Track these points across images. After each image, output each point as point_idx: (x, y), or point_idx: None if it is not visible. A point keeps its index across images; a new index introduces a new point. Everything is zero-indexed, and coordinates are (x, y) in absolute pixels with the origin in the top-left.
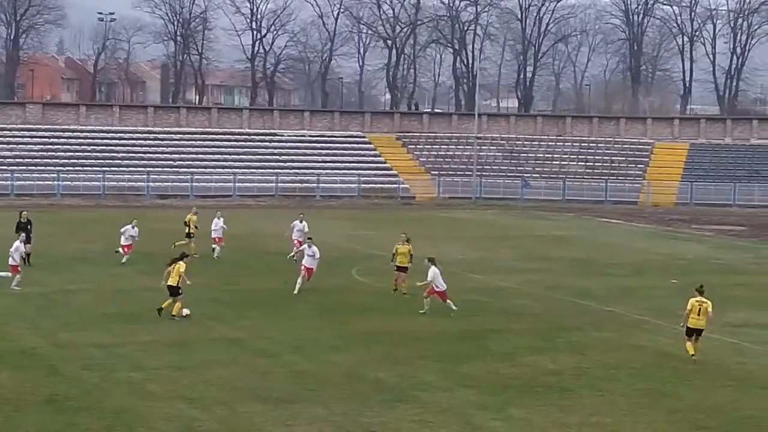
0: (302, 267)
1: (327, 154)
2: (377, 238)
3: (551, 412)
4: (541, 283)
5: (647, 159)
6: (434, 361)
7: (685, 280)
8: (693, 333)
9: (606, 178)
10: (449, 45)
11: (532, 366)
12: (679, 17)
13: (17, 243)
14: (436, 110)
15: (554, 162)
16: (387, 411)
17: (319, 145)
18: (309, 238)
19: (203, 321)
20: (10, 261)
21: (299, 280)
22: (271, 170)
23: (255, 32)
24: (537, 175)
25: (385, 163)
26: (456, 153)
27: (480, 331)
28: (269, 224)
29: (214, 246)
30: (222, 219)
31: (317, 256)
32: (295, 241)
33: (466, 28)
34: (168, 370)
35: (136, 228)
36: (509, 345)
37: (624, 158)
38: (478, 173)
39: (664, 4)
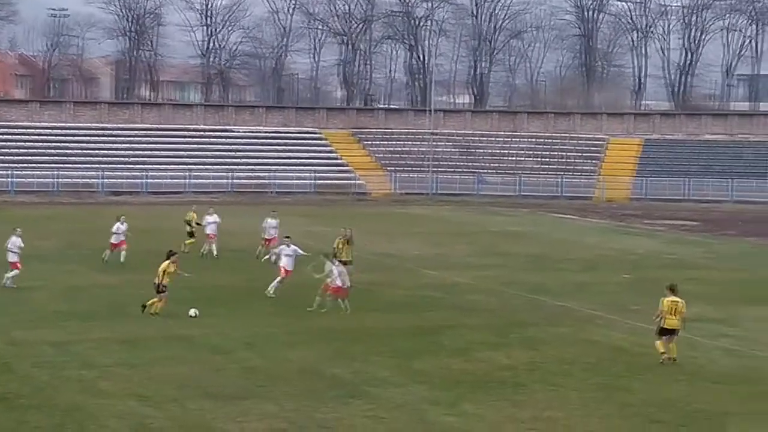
0: (281, 268)
1: (281, 151)
2: (332, 234)
3: (504, 407)
4: (496, 278)
5: (601, 154)
6: (388, 357)
7: (637, 275)
8: (667, 333)
9: (561, 173)
10: (403, 41)
11: (486, 361)
12: (632, 13)
13: (13, 237)
14: (391, 106)
15: (509, 158)
16: (340, 407)
17: (273, 141)
18: (287, 237)
19: (155, 318)
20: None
21: (275, 283)
22: (225, 166)
23: (208, 28)
24: (492, 171)
25: (339, 159)
26: (411, 149)
27: (434, 327)
28: (228, 221)
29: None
30: (216, 215)
31: (298, 253)
32: (264, 240)
33: (420, 24)
34: (120, 368)
35: (125, 224)
36: (463, 340)
37: (578, 154)
38: (433, 169)
39: (618, 0)
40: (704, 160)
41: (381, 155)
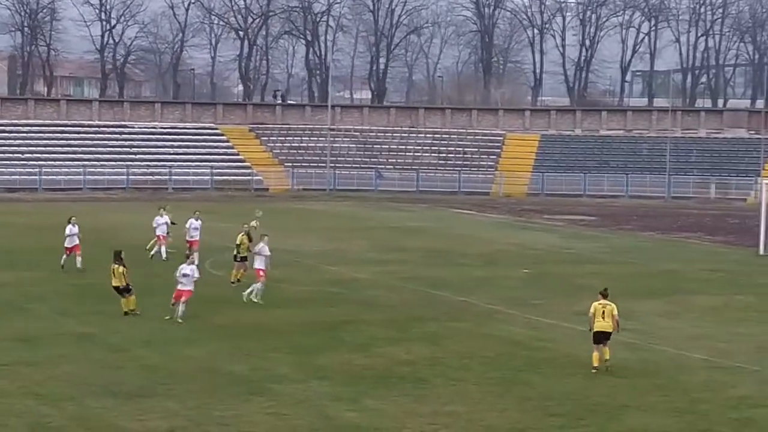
0: (257, 270)
1: (179, 146)
2: (231, 230)
3: (406, 402)
4: (396, 274)
5: (499, 150)
6: (288, 353)
7: (537, 270)
8: (600, 338)
9: (459, 169)
10: (302, 36)
11: (387, 357)
12: (529, 9)
13: None
14: (289, 101)
15: (408, 153)
16: (240, 404)
17: (170, 137)
18: (264, 236)
19: (53, 316)
20: None
21: (258, 287)
22: (122, 163)
23: (104, 23)
24: (391, 167)
25: (238, 155)
26: (309, 144)
27: (334, 323)
28: (125, 217)
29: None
30: (200, 220)
31: (265, 253)
32: (160, 237)
33: (318, 19)
34: (18, 366)
35: (76, 226)
36: (364, 336)
37: (476, 149)
38: (331, 165)
39: None
40: (601, 156)
41: (279, 151)
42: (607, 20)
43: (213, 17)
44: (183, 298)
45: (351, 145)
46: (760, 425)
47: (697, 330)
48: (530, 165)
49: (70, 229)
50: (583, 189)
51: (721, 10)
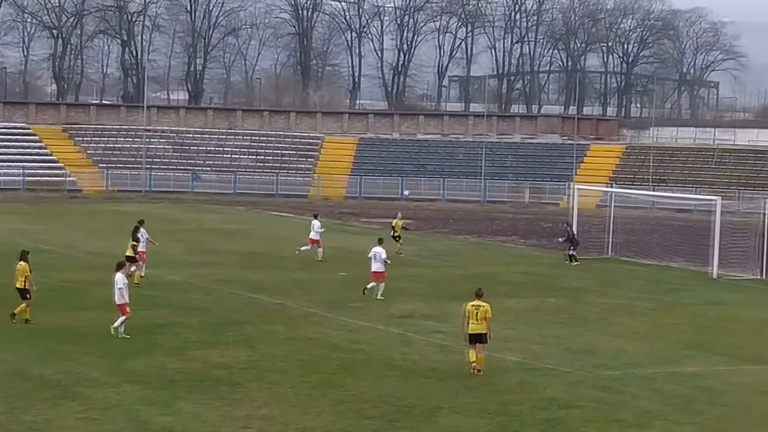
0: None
1: None
2: (43, 232)
3: (220, 406)
4: (212, 276)
5: (317, 153)
6: (101, 357)
7: (353, 273)
8: (475, 340)
9: (277, 171)
10: (117, 36)
11: (202, 360)
12: (347, 13)
13: None
14: (104, 102)
15: (225, 155)
16: (51, 409)
17: None
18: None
19: None
20: None
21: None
22: None
23: None
24: (208, 169)
25: (51, 155)
26: (125, 145)
27: (148, 326)
28: None
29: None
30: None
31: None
32: None
33: (134, 18)
34: None
35: None
36: (178, 339)
37: (294, 152)
38: (147, 166)
39: (333, 0)
40: (418, 159)
41: (93, 152)
42: (424, 25)
43: (26, 15)
44: None
45: (167, 147)
46: (568, 425)
47: (510, 332)
48: (348, 168)
49: None
50: (400, 192)
51: (535, 18)
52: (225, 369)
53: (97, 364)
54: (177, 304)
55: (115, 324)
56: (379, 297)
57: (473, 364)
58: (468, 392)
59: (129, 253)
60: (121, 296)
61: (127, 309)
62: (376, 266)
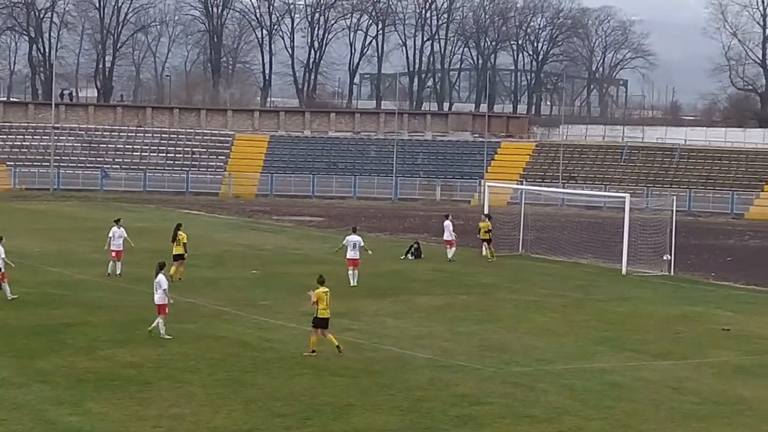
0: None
1: None
2: None
3: (130, 406)
4: (122, 275)
5: (228, 150)
6: (8, 357)
7: (265, 271)
8: (321, 324)
9: (187, 169)
10: (25, 32)
11: (111, 359)
12: (258, 10)
13: None
14: (12, 99)
15: (135, 153)
16: None
17: None
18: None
19: None
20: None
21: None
22: None
23: None
24: (117, 166)
25: None
26: (33, 143)
27: (57, 325)
28: None
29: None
30: (122, 228)
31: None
32: None
33: (42, 15)
34: None
35: None
36: (87, 338)
37: (205, 150)
38: (55, 164)
39: None
40: (329, 157)
41: (1, 150)
42: (335, 22)
43: None
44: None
45: (76, 144)
46: (479, 421)
47: (422, 329)
48: (259, 166)
49: None
50: (311, 190)
51: (446, 16)
52: (135, 368)
53: (4, 363)
54: (86, 303)
55: (155, 325)
56: (353, 284)
57: (314, 353)
58: (380, 390)
59: (177, 251)
60: (163, 298)
61: (167, 310)
62: (351, 253)
